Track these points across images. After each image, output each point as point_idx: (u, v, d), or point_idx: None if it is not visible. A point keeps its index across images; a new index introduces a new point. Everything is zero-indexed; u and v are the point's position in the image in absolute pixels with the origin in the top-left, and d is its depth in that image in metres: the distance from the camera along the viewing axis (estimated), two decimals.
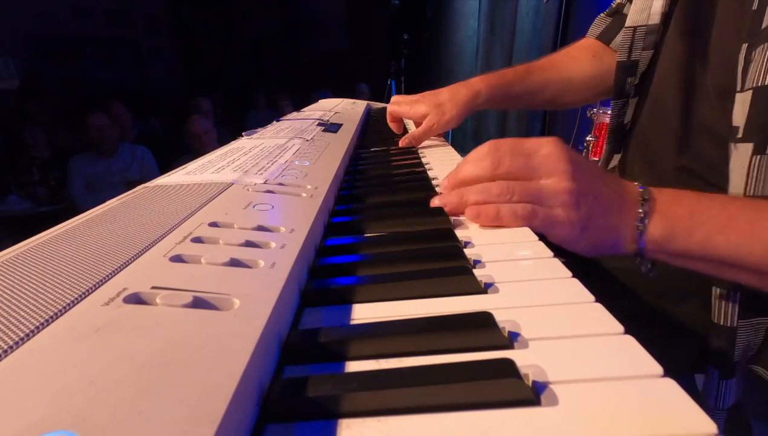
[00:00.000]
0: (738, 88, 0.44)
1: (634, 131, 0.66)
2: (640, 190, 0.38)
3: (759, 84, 0.41)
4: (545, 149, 0.39)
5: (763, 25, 0.41)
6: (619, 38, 0.67)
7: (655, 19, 0.59)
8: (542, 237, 0.38)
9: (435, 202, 0.43)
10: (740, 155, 0.42)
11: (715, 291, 0.46)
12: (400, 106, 0.82)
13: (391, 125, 0.88)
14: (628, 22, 0.62)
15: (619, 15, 0.74)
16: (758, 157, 0.40)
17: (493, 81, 0.78)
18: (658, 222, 0.37)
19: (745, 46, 0.43)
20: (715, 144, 0.51)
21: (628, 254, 0.39)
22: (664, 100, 0.59)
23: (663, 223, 0.37)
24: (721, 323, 0.46)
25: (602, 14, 0.78)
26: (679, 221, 0.37)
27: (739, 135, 0.42)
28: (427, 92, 0.80)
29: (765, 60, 0.41)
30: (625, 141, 0.67)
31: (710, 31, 0.52)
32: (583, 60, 0.78)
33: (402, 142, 0.79)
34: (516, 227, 0.39)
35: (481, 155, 0.40)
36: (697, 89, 0.54)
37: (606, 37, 0.76)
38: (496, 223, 0.39)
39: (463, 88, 0.77)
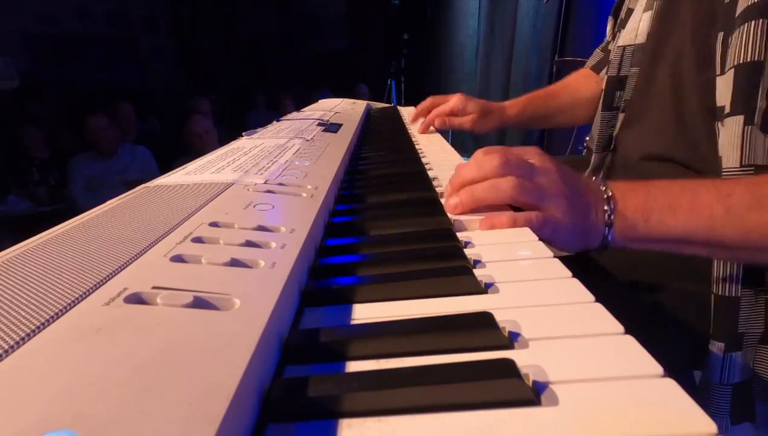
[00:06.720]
0: (717, 73, 0.49)
1: (622, 141, 0.72)
2: (602, 187, 0.42)
3: (740, 62, 0.46)
4: (533, 153, 0.42)
5: (737, 13, 0.47)
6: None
7: (641, 39, 0.66)
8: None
9: (449, 203, 0.42)
10: (729, 130, 0.46)
11: (717, 264, 0.48)
12: (446, 105, 0.94)
13: (420, 118, 0.98)
14: (620, 42, 0.69)
15: (607, 51, 0.88)
16: (749, 127, 0.45)
17: (518, 105, 0.95)
18: (620, 214, 0.41)
19: (721, 34, 0.49)
20: (704, 129, 0.55)
21: (595, 246, 0.42)
22: (655, 103, 0.64)
23: (623, 214, 0.41)
24: (724, 294, 0.48)
25: (598, 49, 0.93)
26: (636, 211, 0.41)
27: (727, 111, 0.47)
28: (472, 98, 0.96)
29: (742, 42, 0.46)
30: (613, 149, 0.75)
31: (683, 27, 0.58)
32: (586, 82, 0.94)
33: (436, 123, 0.93)
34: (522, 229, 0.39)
35: (481, 158, 0.42)
36: (685, 84, 0.58)
37: (597, 69, 0.92)
38: (511, 227, 0.40)
39: (501, 107, 0.95)
